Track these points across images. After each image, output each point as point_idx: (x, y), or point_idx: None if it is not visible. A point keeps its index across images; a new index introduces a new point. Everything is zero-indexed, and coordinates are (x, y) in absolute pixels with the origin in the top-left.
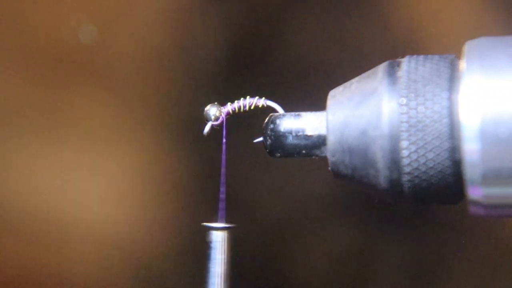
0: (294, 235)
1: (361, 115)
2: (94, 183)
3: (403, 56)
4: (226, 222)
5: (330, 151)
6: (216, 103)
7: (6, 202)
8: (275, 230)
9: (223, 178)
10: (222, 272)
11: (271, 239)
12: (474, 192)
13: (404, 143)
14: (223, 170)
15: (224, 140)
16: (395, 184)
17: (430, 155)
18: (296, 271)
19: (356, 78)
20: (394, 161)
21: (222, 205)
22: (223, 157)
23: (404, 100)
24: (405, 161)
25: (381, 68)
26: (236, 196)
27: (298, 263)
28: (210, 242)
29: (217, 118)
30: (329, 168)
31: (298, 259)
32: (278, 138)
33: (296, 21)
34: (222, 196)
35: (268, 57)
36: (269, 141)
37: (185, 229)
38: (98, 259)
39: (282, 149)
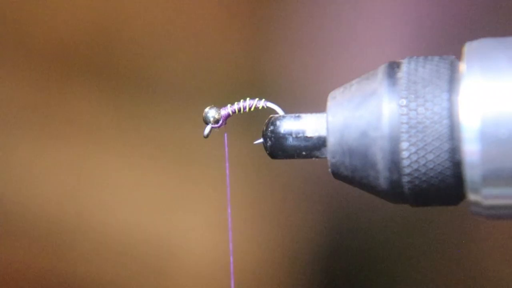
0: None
1: (361, 116)
2: (94, 183)
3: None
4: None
5: (330, 152)
6: (213, 105)
7: (6, 202)
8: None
9: (228, 181)
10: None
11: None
12: (474, 193)
13: (404, 144)
14: (227, 172)
15: (225, 141)
16: (395, 185)
17: (430, 156)
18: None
19: (356, 79)
20: (394, 162)
21: (228, 209)
22: (227, 163)
23: (404, 102)
24: (405, 162)
25: (381, 69)
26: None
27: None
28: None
29: (216, 121)
30: (329, 170)
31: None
32: (278, 139)
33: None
34: (228, 198)
35: None
36: (269, 143)
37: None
38: (99, 260)
39: (282, 150)
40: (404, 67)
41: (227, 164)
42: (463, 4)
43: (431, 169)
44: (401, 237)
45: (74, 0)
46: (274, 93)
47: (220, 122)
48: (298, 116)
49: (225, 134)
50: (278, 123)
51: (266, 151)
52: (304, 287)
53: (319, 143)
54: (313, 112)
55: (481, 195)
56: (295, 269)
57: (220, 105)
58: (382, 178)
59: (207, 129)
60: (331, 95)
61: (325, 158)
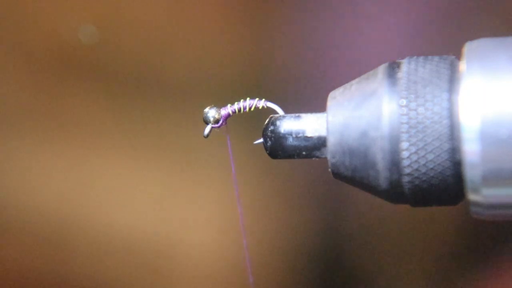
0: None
1: (361, 116)
2: (94, 183)
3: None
4: None
5: (330, 152)
6: (213, 105)
7: (6, 202)
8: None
9: (235, 180)
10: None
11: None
12: (474, 193)
13: (404, 144)
14: (233, 171)
15: (229, 143)
16: (395, 185)
17: (430, 156)
18: None
19: (356, 80)
20: (394, 162)
21: (240, 209)
22: (232, 166)
23: (404, 101)
24: (405, 162)
25: (381, 69)
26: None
27: None
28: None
29: (216, 121)
30: (329, 170)
31: None
32: (278, 139)
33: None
34: (238, 198)
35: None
36: (269, 143)
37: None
38: (99, 260)
39: (282, 150)
40: (404, 67)
41: (232, 167)
42: (463, 4)
43: (431, 169)
44: (401, 237)
45: (74, 2)
46: (274, 93)
47: (220, 122)
48: (298, 116)
49: (228, 137)
50: (278, 123)
51: (266, 151)
52: (304, 286)
53: (319, 143)
54: (313, 112)
55: (481, 195)
56: (295, 268)
57: (220, 105)
58: (382, 178)
59: (207, 129)
60: (331, 95)
61: (325, 158)
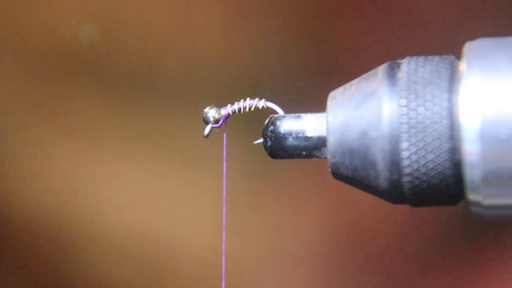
0: None
1: (361, 116)
2: (94, 183)
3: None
4: None
5: (330, 152)
6: (213, 105)
7: (7, 202)
8: None
9: (224, 182)
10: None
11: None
12: (474, 193)
13: (404, 144)
14: (224, 173)
15: (224, 141)
16: (395, 185)
17: (430, 156)
18: None
19: (356, 79)
20: (394, 162)
21: (224, 209)
22: (224, 163)
23: (404, 101)
24: (405, 162)
25: (381, 69)
26: None
27: None
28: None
29: (216, 121)
30: (329, 170)
31: None
32: (278, 139)
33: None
34: (224, 197)
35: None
36: (269, 143)
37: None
38: (98, 259)
39: (282, 150)
40: (404, 67)
41: (224, 164)
42: (463, 4)
43: (431, 169)
44: (401, 237)
45: (74, 2)
46: (274, 93)
47: (220, 122)
48: (298, 116)
49: (224, 135)
50: (278, 123)
51: (266, 151)
52: (303, 286)
53: (319, 143)
54: (313, 112)
55: (481, 195)
56: (295, 268)
57: (220, 105)
58: (382, 178)
59: (207, 129)
60: (331, 95)
61: (325, 158)
